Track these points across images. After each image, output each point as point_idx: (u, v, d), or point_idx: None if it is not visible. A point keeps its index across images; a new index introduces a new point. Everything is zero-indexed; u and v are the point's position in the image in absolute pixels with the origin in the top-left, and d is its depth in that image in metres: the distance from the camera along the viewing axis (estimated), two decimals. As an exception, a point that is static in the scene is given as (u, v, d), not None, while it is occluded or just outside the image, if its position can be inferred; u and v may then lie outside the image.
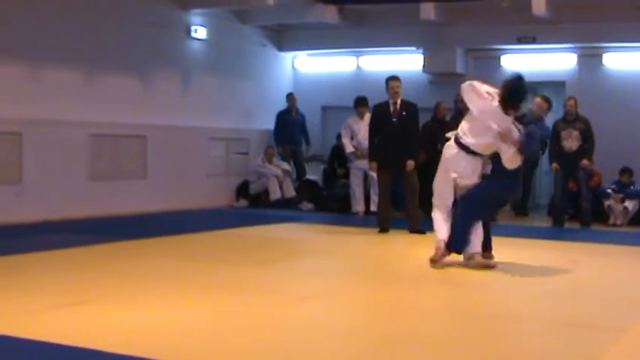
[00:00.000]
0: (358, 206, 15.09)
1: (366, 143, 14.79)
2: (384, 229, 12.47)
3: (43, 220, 12.46)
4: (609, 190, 14.65)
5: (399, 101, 12.50)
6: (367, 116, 14.83)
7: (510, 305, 7.52)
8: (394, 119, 12.42)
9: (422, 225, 12.18)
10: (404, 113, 12.46)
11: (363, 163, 14.86)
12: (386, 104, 12.58)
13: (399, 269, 9.37)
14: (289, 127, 16.95)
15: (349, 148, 15.03)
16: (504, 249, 9.69)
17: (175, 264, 9.16)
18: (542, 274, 8.89)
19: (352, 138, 15.08)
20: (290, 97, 17.13)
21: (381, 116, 12.59)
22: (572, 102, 13.84)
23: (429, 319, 6.81)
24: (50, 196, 12.86)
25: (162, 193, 14.74)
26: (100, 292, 7.35)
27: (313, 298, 7.51)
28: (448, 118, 15.03)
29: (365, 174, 15.04)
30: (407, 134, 12.39)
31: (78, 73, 13.51)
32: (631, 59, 15.69)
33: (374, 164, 12.63)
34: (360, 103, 15.10)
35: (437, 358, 5.62)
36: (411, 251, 10.75)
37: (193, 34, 15.70)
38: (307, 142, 17.18)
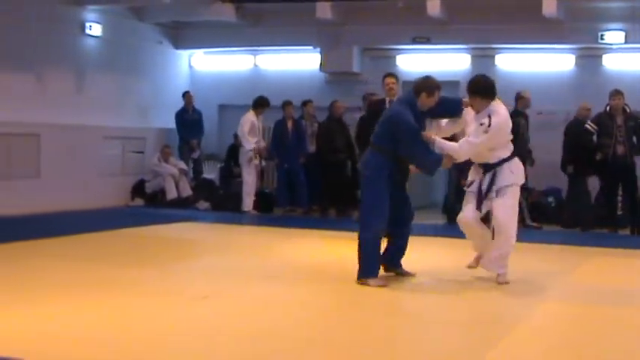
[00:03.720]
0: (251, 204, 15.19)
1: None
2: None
3: None
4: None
5: (395, 99, 10.88)
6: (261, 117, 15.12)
7: (410, 304, 7.62)
8: None
9: None
10: None
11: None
12: (382, 102, 11.32)
13: (299, 269, 9.38)
14: (187, 126, 16.83)
15: (251, 145, 14.99)
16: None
17: (70, 265, 9.01)
18: (438, 271, 9.02)
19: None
20: (186, 95, 17.00)
21: (379, 115, 11.88)
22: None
23: (328, 319, 6.86)
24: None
25: (55, 192, 14.44)
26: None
27: (210, 298, 7.48)
28: (358, 116, 15.12)
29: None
30: None
31: (-33, 69, 13.20)
32: (522, 60, 16.05)
33: None
34: (265, 103, 15.16)
35: (336, 356, 5.67)
36: (310, 250, 10.82)
37: (88, 31, 15.44)
38: (199, 141, 17.03)
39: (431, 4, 14.91)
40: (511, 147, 8.42)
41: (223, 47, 17.89)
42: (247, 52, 17.92)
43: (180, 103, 16.96)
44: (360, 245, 8.25)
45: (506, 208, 8.24)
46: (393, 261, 8.63)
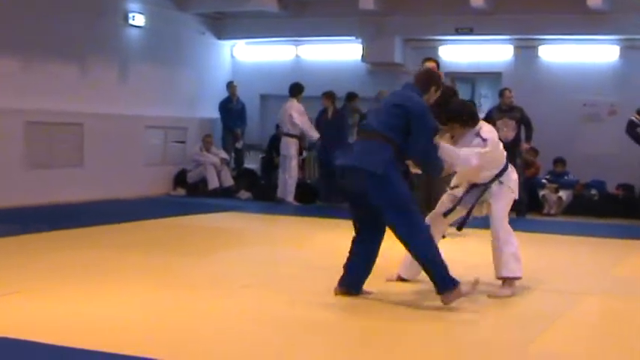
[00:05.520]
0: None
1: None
2: None
3: (-24, 208, 12.24)
4: (544, 180, 14.87)
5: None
6: None
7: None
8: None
9: None
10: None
11: None
12: None
13: (341, 260, 9.36)
14: (231, 116, 16.91)
15: (317, 134, 15.22)
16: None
17: (112, 254, 9.08)
18: (479, 264, 8.97)
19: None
20: (230, 85, 17.08)
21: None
22: (510, 93, 14.07)
23: (366, 312, 6.86)
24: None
25: (98, 181, 14.57)
26: (33, 283, 7.27)
27: (252, 287, 7.51)
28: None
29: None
30: None
31: (13, 59, 13.29)
32: (566, 51, 15.90)
33: None
34: (302, 87, 15.27)
35: (371, 350, 5.68)
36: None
37: (131, 21, 15.53)
38: (242, 131, 17.11)
39: (474, -7, 14.84)
40: (500, 163, 7.46)
41: (265, 38, 17.91)
42: (289, 43, 17.93)
43: (222, 93, 17.02)
44: (418, 256, 6.85)
45: (499, 210, 7.40)
46: (357, 282, 7.19)
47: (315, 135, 15.15)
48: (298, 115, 15.11)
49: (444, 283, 6.71)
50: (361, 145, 7.00)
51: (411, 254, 6.92)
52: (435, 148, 7.03)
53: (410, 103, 6.97)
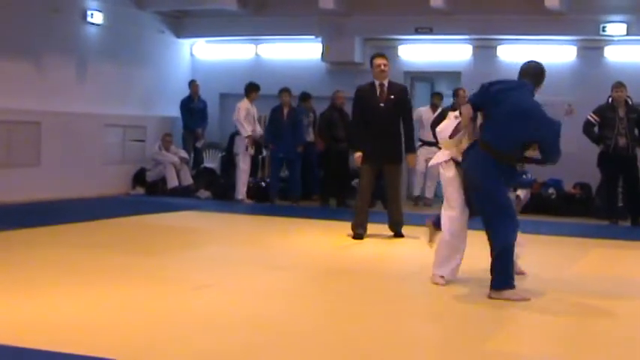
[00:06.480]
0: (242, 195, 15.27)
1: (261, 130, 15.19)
2: (359, 235, 10.79)
3: None
4: (502, 180, 14.96)
5: (386, 83, 10.83)
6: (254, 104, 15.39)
7: (405, 296, 7.60)
8: (381, 104, 10.72)
9: (401, 229, 10.94)
10: (392, 97, 10.75)
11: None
12: (371, 86, 10.88)
13: (300, 259, 9.38)
14: (192, 115, 16.85)
15: (247, 131, 15.17)
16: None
17: (70, 253, 9.01)
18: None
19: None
20: (192, 84, 17.01)
21: (365, 101, 10.87)
22: (464, 92, 14.12)
23: (327, 311, 6.87)
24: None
25: (56, 180, 14.44)
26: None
27: (210, 287, 7.50)
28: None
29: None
30: (397, 122, 10.83)
31: (-32, 57, 13.17)
32: (524, 51, 15.99)
33: (359, 155, 10.83)
34: (256, 88, 15.26)
35: (333, 348, 5.69)
36: (312, 240, 10.82)
37: (89, 19, 15.41)
38: (203, 130, 17.06)
39: (433, -6, 14.92)
40: None
41: (225, 36, 17.89)
42: (249, 42, 17.89)
43: (181, 92, 16.96)
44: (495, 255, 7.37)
45: None
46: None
47: (243, 132, 15.21)
48: (238, 111, 15.15)
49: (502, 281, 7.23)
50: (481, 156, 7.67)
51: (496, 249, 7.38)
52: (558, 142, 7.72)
53: (525, 105, 7.83)
